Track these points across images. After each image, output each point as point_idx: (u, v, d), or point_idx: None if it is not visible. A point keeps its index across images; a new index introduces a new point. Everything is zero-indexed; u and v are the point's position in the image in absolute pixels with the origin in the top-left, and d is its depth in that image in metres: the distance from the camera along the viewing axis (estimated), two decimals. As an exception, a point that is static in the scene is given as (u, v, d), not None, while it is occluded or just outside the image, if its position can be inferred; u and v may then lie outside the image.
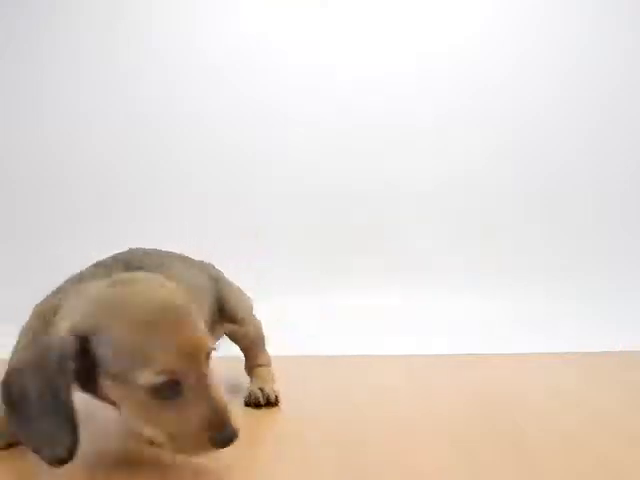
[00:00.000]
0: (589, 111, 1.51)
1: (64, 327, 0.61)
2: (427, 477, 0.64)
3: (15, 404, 0.61)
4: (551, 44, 1.51)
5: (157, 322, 0.61)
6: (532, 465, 0.66)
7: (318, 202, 1.49)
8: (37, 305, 0.72)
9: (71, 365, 0.60)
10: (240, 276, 1.29)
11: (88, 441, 0.74)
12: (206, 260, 1.00)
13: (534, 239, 1.49)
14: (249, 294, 1.02)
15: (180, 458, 0.65)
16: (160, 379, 0.59)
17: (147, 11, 1.53)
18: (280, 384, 0.94)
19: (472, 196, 1.50)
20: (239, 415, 0.83)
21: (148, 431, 0.62)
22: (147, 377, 0.59)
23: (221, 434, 0.60)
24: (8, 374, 0.61)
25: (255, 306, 1.00)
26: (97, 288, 0.64)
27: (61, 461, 0.59)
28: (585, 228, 1.49)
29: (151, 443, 0.65)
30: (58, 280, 0.76)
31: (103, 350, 0.60)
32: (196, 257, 0.98)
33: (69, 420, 0.60)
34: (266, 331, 0.98)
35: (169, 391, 0.60)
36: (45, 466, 0.61)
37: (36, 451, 0.60)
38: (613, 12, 1.51)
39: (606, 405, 0.87)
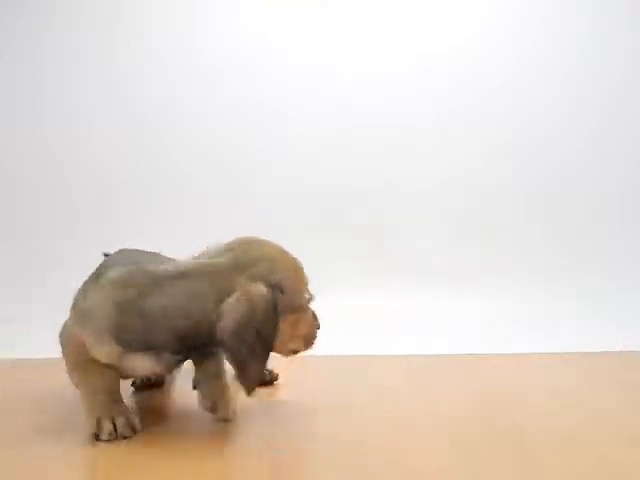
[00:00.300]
0: (589, 111, 1.51)
1: (259, 284, 0.75)
2: (427, 477, 0.64)
3: (234, 342, 0.73)
4: (551, 44, 1.51)
5: (289, 254, 0.82)
6: (532, 465, 0.66)
7: (317, 202, 1.49)
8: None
9: (276, 309, 0.75)
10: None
11: (88, 440, 0.74)
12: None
13: (534, 239, 1.49)
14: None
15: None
16: (311, 294, 0.82)
17: (147, 11, 1.53)
18: (280, 384, 0.94)
19: (472, 196, 1.50)
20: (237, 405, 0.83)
21: (293, 345, 0.81)
22: (308, 294, 0.81)
23: (318, 324, 0.85)
24: (232, 332, 0.73)
25: None
26: (241, 248, 0.79)
27: (254, 387, 0.74)
28: (585, 228, 1.49)
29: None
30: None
31: (284, 291, 0.77)
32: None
33: (268, 354, 0.75)
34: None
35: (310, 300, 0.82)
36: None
37: (247, 383, 0.73)
38: (613, 12, 1.51)
39: (606, 405, 0.87)
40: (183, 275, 0.75)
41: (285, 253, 0.81)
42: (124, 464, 0.68)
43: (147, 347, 0.75)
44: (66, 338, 0.80)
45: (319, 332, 0.85)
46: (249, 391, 0.74)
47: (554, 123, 1.51)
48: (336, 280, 1.43)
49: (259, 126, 1.52)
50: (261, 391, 0.95)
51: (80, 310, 0.78)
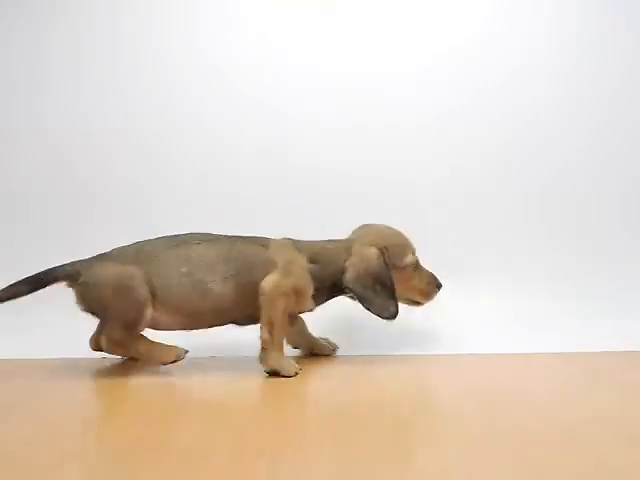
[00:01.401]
0: (589, 111, 1.51)
1: (370, 248, 1.10)
2: (426, 477, 0.64)
3: (363, 295, 1.08)
4: (551, 44, 1.51)
5: (400, 232, 1.16)
6: (532, 465, 0.66)
7: (317, 202, 1.49)
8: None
9: (386, 263, 1.09)
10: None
11: (88, 441, 0.74)
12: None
13: (534, 239, 1.49)
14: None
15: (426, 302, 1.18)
16: (414, 258, 1.15)
17: (147, 11, 1.53)
18: (281, 384, 0.94)
19: (472, 196, 1.50)
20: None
21: (411, 295, 1.16)
22: (410, 259, 1.14)
23: (439, 282, 1.18)
24: (355, 280, 1.08)
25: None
26: (362, 230, 1.17)
27: (396, 315, 1.08)
28: (585, 228, 1.49)
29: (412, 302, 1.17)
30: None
31: (390, 253, 1.11)
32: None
33: (394, 293, 1.08)
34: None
35: (417, 265, 1.15)
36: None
37: (382, 315, 1.07)
38: (613, 12, 1.51)
39: (606, 405, 0.87)
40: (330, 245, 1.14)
41: (394, 230, 1.15)
42: (125, 464, 0.68)
43: (322, 295, 1.12)
44: (280, 291, 1.05)
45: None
46: (386, 317, 1.07)
47: (554, 123, 1.51)
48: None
49: (259, 126, 1.52)
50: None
51: (284, 267, 1.07)
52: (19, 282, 1.11)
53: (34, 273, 1.12)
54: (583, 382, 1.01)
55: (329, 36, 1.52)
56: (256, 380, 1.02)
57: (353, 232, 1.18)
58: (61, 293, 1.40)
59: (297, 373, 1.05)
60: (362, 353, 1.23)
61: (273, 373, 1.04)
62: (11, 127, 1.52)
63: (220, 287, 1.07)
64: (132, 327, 1.06)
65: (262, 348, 1.05)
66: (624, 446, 0.71)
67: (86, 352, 1.18)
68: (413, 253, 1.14)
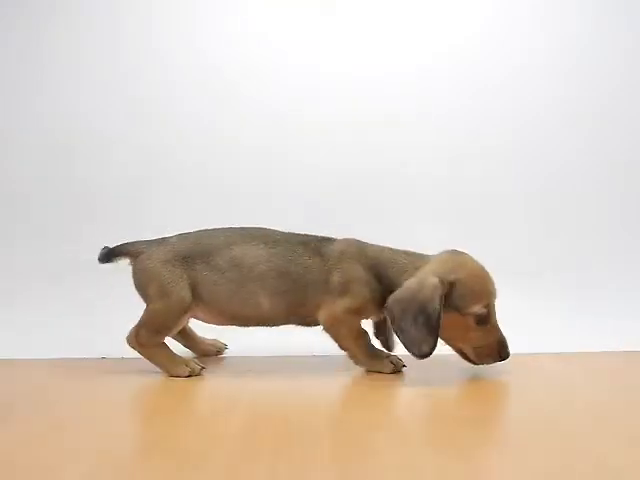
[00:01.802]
0: (589, 111, 1.51)
1: (433, 276, 0.96)
2: (426, 477, 0.64)
3: (399, 319, 0.95)
4: (551, 44, 1.51)
5: (486, 276, 0.99)
6: (532, 465, 0.66)
7: (317, 202, 1.49)
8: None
9: (441, 298, 0.94)
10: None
11: (88, 441, 0.74)
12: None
13: (534, 239, 1.49)
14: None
15: (479, 364, 1.00)
16: (484, 310, 0.97)
17: (147, 11, 1.53)
18: (281, 383, 0.94)
19: (472, 196, 1.50)
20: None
21: (461, 346, 1.00)
22: (478, 308, 0.97)
23: (505, 352, 1.00)
24: (397, 301, 0.96)
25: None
26: (446, 254, 1.02)
27: (426, 355, 0.94)
28: (585, 228, 1.49)
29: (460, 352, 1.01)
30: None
31: (456, 291, 0.96)
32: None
33: (435, 333, 0.94)
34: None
35: (483, 319, 0.97)
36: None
37: (409, 349, 0.95)
38: (613, 12, 1.51)
39: (606, 405, 0.87)
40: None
41: (479, 269, 0.99)
42: (124, 463, 0.68)
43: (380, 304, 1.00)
44: (339, 321, 1.01)
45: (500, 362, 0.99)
46: (414, 354, 0.95)
47: (554, 123, 1.51)
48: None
49: (259, 126, 1.52)
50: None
51: (340, 289, 1.01)
52: (102, 249, 1.10)
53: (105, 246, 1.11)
54: (583, 382, 1.01)
55: (329, 36, 1.52)
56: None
57: (440, 253, 1.04)
58: (62, 293, 1.41)
59: (398, 370, 1.04)
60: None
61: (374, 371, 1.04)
62: (11, 127, 1.52)
63: (269, 302, 1.04)
64: (162, 333, 1.05)
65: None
66: (624, 446, 0.71)
67: (86, 352, 1.18)
68: (486, 306, 0.98)
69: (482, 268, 1.00)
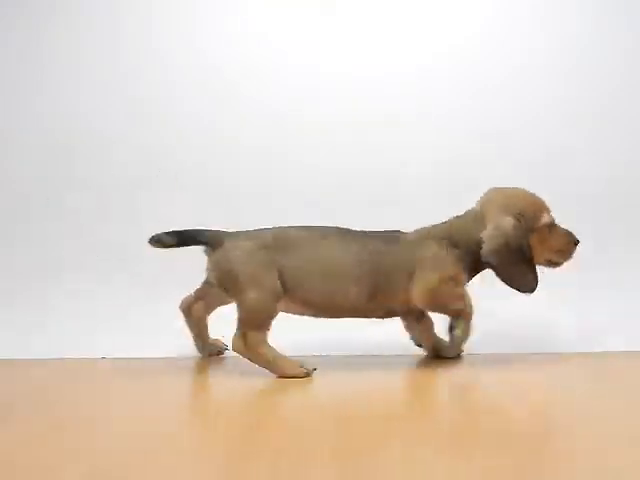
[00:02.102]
0: (589, 111, 1.51)
1: (503, 217, 1.07)
2: (426, 477, 0.64)
3: (500, 269, 1.06)
4: (551, 44, 1.51)
5: (526, 190, 1.12)
6: (532, 465, 0.66)
7: (317, 202, 1.49)
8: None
9: (523, 232, 1.07)
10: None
11: (88, 441, 0.74)
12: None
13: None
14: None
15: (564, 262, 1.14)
16: (550, 217, 1.11)
17: (147, 11, 1.53)
18: (284, 382, 0.94)
19: (472, 196, 1.50)
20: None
21: (547, 255, 1.12)
22: (546, 218, 1.10)
23: (576, 237, 1.14)
24: (490, 253, 1.06)
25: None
26: (488, 200, 1.13)
27: (533, 290, 1.08)
28: (585, 227, 1.49)
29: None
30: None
31: (525, 217, 1.09)
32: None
33: (533, 265, 1.08)
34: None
35: (551, 224, 1.11)
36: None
37: (522, 290, 1.07)
38: (613, 12, 1.51)
39: (606, 405, 0.87)
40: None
41: (522, 190, 1.11)
42: (125, 463, 0.68)
43: (469, 274, 1.11)
44: (436, 287, 1.07)
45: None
46: (525, 292, 1.07)
47: (554, 123, 1.51)
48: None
49: (259, 126, 1.52)
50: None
51: (427, 264, 1.07)
52: (167, 232, 1.10)
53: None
54: (583, 382, 1.01)
55: (329, 36, 1.52)
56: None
57: (480, 199, 1.14)
58: (62, 293, 1.41)
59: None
60: (360, 353, 1.23)
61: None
62: (11, 127, 1.52)
63: (355, 290, 1.07)
64: (264, 327, 1.05)
65: (455, 321, 1.11)
66: (624, 446, 0.71)
67: (86, 352, 1.18)
68: (548, 212, 1.11)
69: (524, 189, 1.12)
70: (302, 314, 1.11)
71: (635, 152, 1.50)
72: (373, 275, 1.07)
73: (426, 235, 1.10)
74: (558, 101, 1.50)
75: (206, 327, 1.19)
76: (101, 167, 1.51)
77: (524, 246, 1.06)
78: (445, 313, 1.10)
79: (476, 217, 1.10)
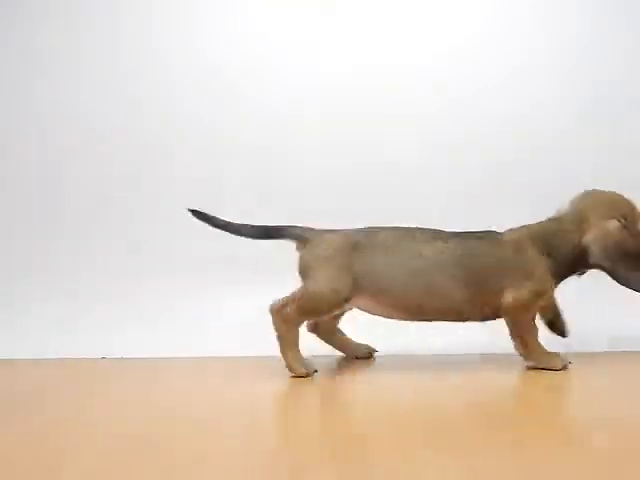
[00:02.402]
0: (589, 111, 1.51)
1: (607, 221, 1.06)
2: (425, 477, 0.64)
3: (616, 273, 1.05)
4: (551, 44, 1.51)
5: (629, 199, 1.10)
6: (532, 465, 0.66)
7: (317, 202, 1.49)
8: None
9: (631, 234, 1.07)
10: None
11: (88, 441, 0.74)
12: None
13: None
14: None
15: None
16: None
17: (147, 11, 1.53)
18: (284, 382, 0.94)
19: (472, 196, 1.50)
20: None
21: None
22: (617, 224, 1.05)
23: None
24: (603, 259, 1.05)
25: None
26: (583, 204, 1.11)
27: None
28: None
29: None
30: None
31: (628, 220, 1.08)
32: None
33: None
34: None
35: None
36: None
37: (636, 288, 1.05)
38: (613, 12, 1.51)
39: (606, 405, 0.87)
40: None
41: (617, 194, 1.10)
42: (125, 463, 0.68)
43: (557, 282, 1.10)
44: (525, 307, 1.05)
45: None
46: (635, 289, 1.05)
47: (554, 123, 1.51)
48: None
49: (259, 126, 1.52)
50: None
51: (523, 272, 1.05)
52: (252, 225, 1.12)
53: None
54: (583, 382, 1.01)
55: (329, 36, 1.52)
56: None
57: (572, 203, 1.12)
58: (62, 293, 1.41)
59: (566, 367, 1.06)
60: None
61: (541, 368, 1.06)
62: (11, 127, 1.52)
63: (452, 291, 1.06)
64: (308, 315, 1.07)
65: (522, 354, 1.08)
66: (624, 446, 0.71)
67: (86, 352, 1.18)
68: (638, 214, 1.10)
69: (617, 193, 1.11)
70: (388, 316, 1.10)
71: (635, 151, 1.50)
72: (471, 276, 1.05)
73: (524, 236, 1.08)
74: (558, 101, 1.50)
75: (340, 336, 1.20)
76: (101, 167, 1.51)
77: (632, 247, 1.05)
78: (513, 328, 1.08)
79: (574, 221, 1.08)
